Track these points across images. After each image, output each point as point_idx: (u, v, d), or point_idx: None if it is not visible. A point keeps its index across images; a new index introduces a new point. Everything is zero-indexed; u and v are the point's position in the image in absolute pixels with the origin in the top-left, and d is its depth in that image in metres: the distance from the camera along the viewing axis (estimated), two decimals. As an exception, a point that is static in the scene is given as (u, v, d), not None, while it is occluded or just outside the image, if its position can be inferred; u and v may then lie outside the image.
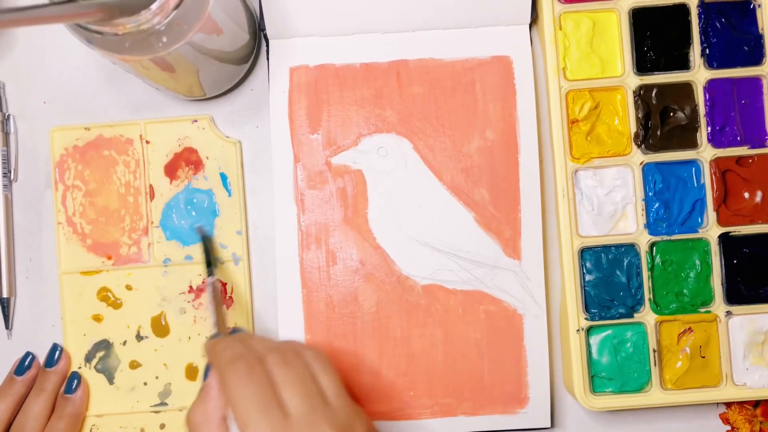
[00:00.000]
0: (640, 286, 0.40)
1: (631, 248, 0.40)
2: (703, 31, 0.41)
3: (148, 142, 0.42)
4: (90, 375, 0.41)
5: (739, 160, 0.41)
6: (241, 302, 0.41)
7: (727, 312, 0.40)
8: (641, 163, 0.41)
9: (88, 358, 0.41)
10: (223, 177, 0.42)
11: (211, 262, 0.40)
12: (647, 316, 0.40)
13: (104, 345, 0.41)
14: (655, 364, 0.40)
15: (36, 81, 0.43)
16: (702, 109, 0.41)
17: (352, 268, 0.41)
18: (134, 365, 0.41)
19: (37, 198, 0.42)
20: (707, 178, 0.41)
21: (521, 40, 0.41)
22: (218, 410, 0.32)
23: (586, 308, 0.40)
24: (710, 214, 0.41)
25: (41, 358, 0.41)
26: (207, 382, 0.33)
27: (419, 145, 0.41)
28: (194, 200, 0.41)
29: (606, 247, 0.41)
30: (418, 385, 0.40)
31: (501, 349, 0.40)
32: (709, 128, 0.41)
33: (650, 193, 0.41)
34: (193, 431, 0.32)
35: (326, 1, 0.40)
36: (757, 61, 0.41)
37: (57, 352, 0.41)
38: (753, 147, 0.41)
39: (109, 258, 0.41)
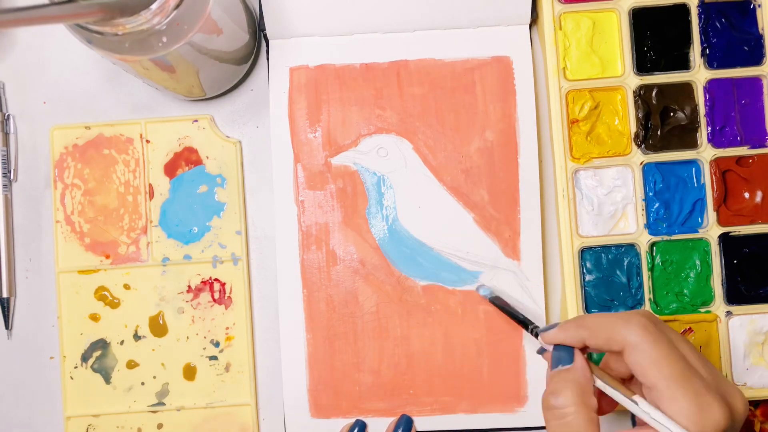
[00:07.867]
0: (641, 286, 0.40)
1: (631, 248, 0.40)
2: (703, 31, 0.41)
3: (148, 141, 0.42)
4: (86, 375, 0.41)
5: (739, 160, 0.41)
6: (240, 302, 0.41)
7: (727, 312, 0.40)
8: (641, 163, 0.41)
9: (85, 358, 0.41)
10: (223, 177, 0.42)
11: (522, 319, 0.37)
12: (647, 316, 0.40)
13: (101, 344, 0.41)
14: (655, 365, 0.40)
15: (36, 81, 0.43)
16: (702, 109, 0.41)
17: (352, 268, 0.41)
18: (131, 365, 0.41)
19: (37, 198, 0.42)
20: (707, 178, 0.41)
21: (521, 40, 0.41)
22: (590, 394, 0.30)
23: (586, 308, 0.40)
24: (710, 214, 0.40)
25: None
26: (576, 364, 0.31)
27: (419, 145, 0.41)
28: (194, 200, 0.41)
29: (606, 247, 0.40)
30: (418, 383, 0.40)
31: (500, 348, 0.40)
32: (709, 128, 0.41)
33: (650, 193, 0.41)
34: (556, 415, 0.30)
35: (326, 1, 0.40)
36: (757, 61, 0.41)
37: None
38: (753, 147, 0.41)
39: (108, 257, 0.41)
